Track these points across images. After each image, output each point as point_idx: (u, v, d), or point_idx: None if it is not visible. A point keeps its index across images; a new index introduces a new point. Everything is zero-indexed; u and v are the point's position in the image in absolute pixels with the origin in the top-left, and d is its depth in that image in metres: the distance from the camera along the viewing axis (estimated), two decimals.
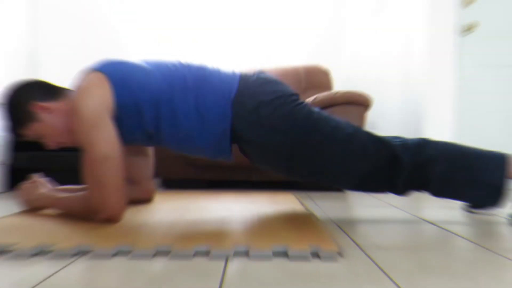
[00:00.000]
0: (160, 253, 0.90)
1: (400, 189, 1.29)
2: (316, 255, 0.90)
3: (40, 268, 0.79)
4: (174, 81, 1.25)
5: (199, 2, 3.24)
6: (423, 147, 1.27)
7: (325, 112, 1.30)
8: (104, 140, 1.15)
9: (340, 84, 3.01)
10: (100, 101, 1.17)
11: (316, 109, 1.29)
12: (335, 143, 1.23)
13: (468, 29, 2.59)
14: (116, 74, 1.23)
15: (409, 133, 2.59)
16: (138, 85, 1.23)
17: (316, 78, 2.72)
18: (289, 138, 1.22)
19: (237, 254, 0.90)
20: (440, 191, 1.31)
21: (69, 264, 0.82)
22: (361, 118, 2.14)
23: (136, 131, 1.27)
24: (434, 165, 1.25)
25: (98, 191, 1.15)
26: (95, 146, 1.14)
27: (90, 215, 1.19)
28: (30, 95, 1.28)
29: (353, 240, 1.06)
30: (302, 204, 1.60)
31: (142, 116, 1.24)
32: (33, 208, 1.37)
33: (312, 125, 1.23)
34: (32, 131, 1.30)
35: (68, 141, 1.34)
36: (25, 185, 1.39)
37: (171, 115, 1.23)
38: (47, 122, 1.29)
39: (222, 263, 0.83)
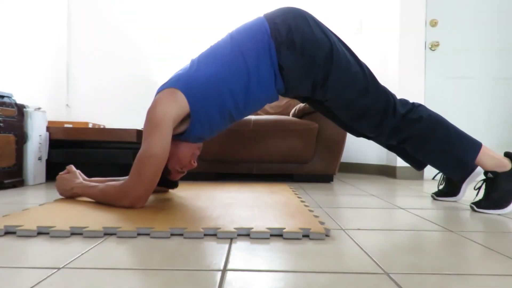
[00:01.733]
0: (175, 234, 0.91)
1: (383, 135, 1.29)
2: (306, 236, 0.91)
3: (74, 246, 0.80)
4: (219, 56, 1.24)
5: (199, 2, 3.04)
6: (418, 108, 1.27)
7: (345, 49, 1.30)
8: (158, 142, 1.15)
9: None
10: (167, 110, 1.17)
11: (341, 45, 1.29)
12: (348, 72, 1.25)
13: (433, 46, 2.59)
14: (180, 81, 1.23)
15: None
16: (203, 79, 1.22)
17: None
18: (314, 61, 1.22)
19: (240, 235, 0.91)
20: (416, 149, 1.30)
21: (99, 243, 0.83)
22: None
23: (219, 116, 1.26)
24: (420, 124, 1.25)
25: (135, 179, 1.16)
26: (149, 144, 1.15)
27: (114, 202, 1.19)
28: None
29: (337, 224, 1.07)
30: (295, 193, 1.61)
31: (220, 98, 1.22)
32: (68, 196, 1.37)
33: (334, 54, 1.23)
34: (172, 169, 1.37)
35: (181, 164, 1.38)
36: (61, 176, 1.39)
37: (238, 78, 1.22)
38: (172, 156, 1.32)
39: (228, 243, 0.84)
